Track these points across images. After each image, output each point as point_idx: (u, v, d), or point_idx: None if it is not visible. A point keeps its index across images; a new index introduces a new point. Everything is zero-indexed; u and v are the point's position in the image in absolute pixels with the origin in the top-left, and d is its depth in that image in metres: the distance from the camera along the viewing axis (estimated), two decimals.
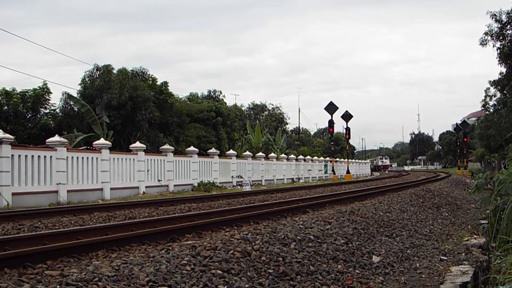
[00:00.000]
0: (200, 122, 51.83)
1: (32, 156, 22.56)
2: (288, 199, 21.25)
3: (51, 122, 41.57)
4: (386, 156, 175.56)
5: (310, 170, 60.06)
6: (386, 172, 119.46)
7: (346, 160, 66.58)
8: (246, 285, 7.15)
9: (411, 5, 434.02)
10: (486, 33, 44.31)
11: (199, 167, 35.95)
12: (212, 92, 65.17)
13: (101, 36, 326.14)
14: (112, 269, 6.70)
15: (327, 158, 70.19)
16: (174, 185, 32.16)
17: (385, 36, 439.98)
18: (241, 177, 40.50)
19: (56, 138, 24.74)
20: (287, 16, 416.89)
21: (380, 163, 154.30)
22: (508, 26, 43.86)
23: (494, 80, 49.28)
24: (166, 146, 33.69)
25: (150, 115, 42.53)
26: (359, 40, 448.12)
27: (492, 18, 43.70)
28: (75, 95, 42.56)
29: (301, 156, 61.27)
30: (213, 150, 39.47)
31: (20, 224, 13.69)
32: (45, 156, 23.15)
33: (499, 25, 43.85)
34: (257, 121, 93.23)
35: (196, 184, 34.24)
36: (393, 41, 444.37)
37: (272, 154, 52.91)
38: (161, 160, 31.85)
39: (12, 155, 21.53)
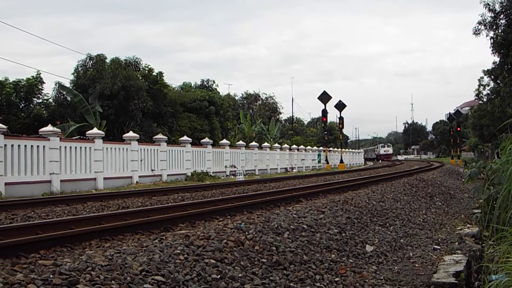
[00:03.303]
0: (193, 111, 51.79)
1: (25, 146, 22.52)
2: (282, 189, 21.23)
3: (44, 112, 41.52)
4: (389, 144, 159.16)
5: (303, 159, 60.06)
6: (380, 162, 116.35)
7: (339, 149, 66.64)
8: (240, 275, 7.14)
9: None
10: (479, 23, 44.43)
11: (193, 156, 35.95)
12: (205, 81, 65.02)
13: (95, 26, 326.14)
14: (105, 258, 6.69)
15: (321, 148, 70.16)
16: (168, 175, 32.15)
17: (379, 27, 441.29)
18: (235, 167, 40.52)
19: (49, 128, 24.66)
20: (281, 7, 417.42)
21: (382, 152, 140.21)
22: (502, 16, 43.92)
23: (487, 70, 49.40)
24: (160, 136, 33.66)
25: (143, 104, 42.50)
26: (353, 31, 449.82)
27: (486, 7, 43.80)
28: (68, 84, 42.56)
29: (294, 146, 61.30)
30: (206, 139, 39.49)
31: (13, 214, 13.67)
32: (38, 146, 23.11)
33: (492, 15, 43.93)
34: (250, 111, 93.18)
35: (189, 174, 34.25)
36: (387, 32, 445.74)
37: (266, 144, 52.85)
38: (154, 149, 31.82)
39: (5, 145, 21.49)
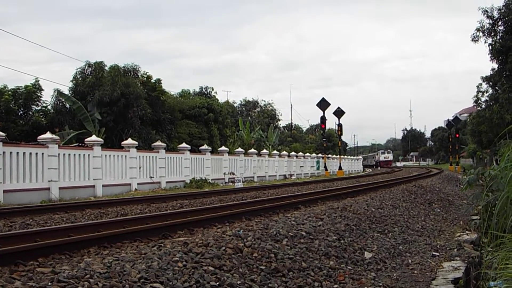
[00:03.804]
0: (192, 118, 51.83)
1: (24, 153, 22.50)
2: (280, 196, 21.25)
3: (42, 119, 41.51)
4: (389, 150, 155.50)
5: (302, 166, 60.04)
6: (379, 168, 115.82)
7: (338, 156, 66.67)
8: (238, 282, 7.14)
9: (404, 1, 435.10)
10: (478, 29, 44.46)
11: (191, 163, 35.94)
12: (204, 88, 65.02)
13: (93, 32, 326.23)
14: (103, 266, 6.68)
15: (319, 155, 70.14)
16: (166, 182, 32.13)
17: (378, 33, 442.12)
18: (233, 174, 40.50)
19: (48, 135, 24.64)
20: (280, 13, 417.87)
21: (381, 159, 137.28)
22: (500, 22, 43.99)
23: (486, 76, 49.40)
24: (158, 143, 33.65)
25: (142, 112, 42.50)
26: (352, 36, 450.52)
27: (484, 14, 43.86)
28: (67, 92, 42.64)
29: (293, 153, 61.29)
30: (205, 146, 39.49)
31: (11, 221, 13.66)
32: (36, 153, 23.09)
33: (491, 21, 43.99)
34: (249, 118, 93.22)
35: (188, 181, 34.23)
36: (386, 38, 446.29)
37: (264, 151, 52.92)
38: (153, 157, 31.81)
39: (4, 152, 21.46)
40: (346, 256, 9.77)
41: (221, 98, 78.04)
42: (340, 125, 59.68)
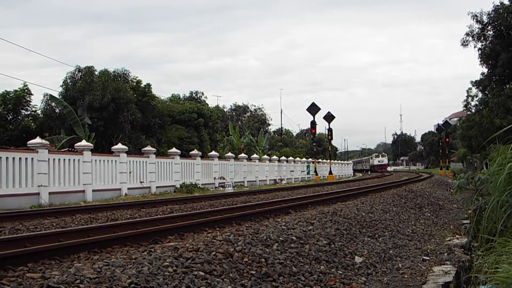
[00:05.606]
0: (182, 123, 51.84)
1: (13, 158, 22.40)
2: (271, 200, 21.22)
3: (32, 124, 41.35)
4: (384, 154, 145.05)
5: (292, 171, 59.99)
6: (369, 173, 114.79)
7: (328, 161, 66.69)
8: (229, 287, 7.13)
9: (394, 7, 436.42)
10: (467, 34, 44.56)
11: (181, 168, 35.85)
12: (194, 93, 65.08)
13: (83, 38, 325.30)
14: (94, 271, 6.66)
15: (310, 159, 70.07)
16: (157, 187, 32.05)
17: (368, 38, 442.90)
18: (224, 179, 40.44)
19: (38, 140, 24.58)
20: (270, 18, 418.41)
21: (375, 163, 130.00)
22: (489, 27, 44.11)
23: (475, 81, 49.48)
24: (148, 148, 33.58)
25: (132, 116, 42.42)
26: (342, 42, 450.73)
27: (473, 19, 43.96)
28: (56, 97, 42.42)
29: (283, 157, 61.24)
30: (195, 151, 39.42)
31: (1, 226, 13.57)
32: (26, 158, 22.99)
33: (480, 26, 44.10)
34: (239, 122, 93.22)
35: (178, 186, 34.15)
36: (376, 43, 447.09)
37: (255, 155, 52.84)
38: (143, 161, 31.73)
39: None
40: (337, 260, 9.77)
41: (211, 103, 78.18)
42: (330, 130, 59.84)
